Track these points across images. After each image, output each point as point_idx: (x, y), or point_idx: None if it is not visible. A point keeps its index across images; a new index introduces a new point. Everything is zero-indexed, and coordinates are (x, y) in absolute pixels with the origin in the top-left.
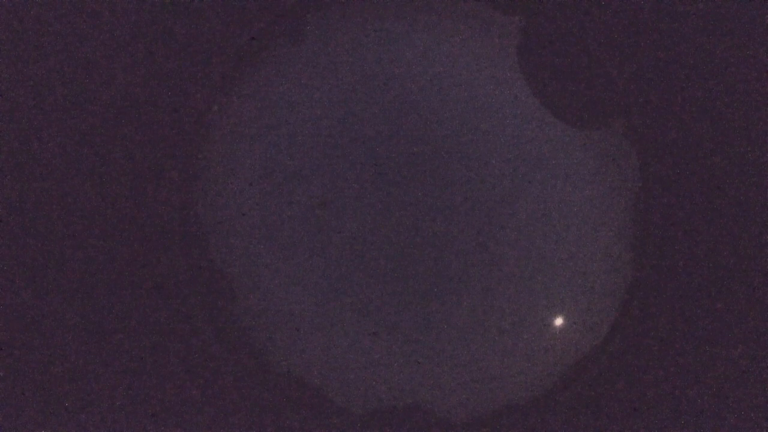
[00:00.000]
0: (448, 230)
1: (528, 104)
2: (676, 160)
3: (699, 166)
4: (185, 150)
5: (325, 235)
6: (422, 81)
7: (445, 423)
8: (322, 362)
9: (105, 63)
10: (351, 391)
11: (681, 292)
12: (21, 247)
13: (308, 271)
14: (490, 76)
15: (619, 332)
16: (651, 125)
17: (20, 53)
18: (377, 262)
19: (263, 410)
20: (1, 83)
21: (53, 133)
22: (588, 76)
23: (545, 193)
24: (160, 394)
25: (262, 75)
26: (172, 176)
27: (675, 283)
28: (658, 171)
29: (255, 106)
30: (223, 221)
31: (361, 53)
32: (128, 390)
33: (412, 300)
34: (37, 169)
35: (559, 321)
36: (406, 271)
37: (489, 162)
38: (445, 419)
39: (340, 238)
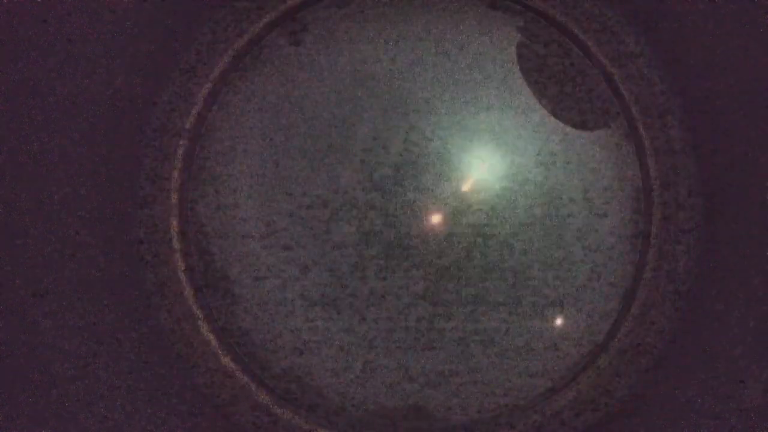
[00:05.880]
0: (447, 230)
1: (528, 104)
2: (676, 160)
3: (699, 165)
4: (185, 150)
5: (325, 235)
6: (422, 81)
7: (445, 423)
8: (322, 362)
9: (105, 63)
10: (351, 391)
11: (681, 292)
12: (21, 247)
13: (308, 271)
14: (490, 76)
15: (619, 332)
16: (652, 125)
17: (20, 53)
18: (377, 262)
19: (263, 410)
20: (1, 83)
21: (53, 133)
22: (588, 76)
23: (545, 193)
24: (160, 394)
25: (262, 75)
26: (172, 176)
27: (675, 283)
28: (658, 171)
29: (255, 106)
30: (223, 221)
31: (361, 53)
32: (128, 390)
33: (412, 300)
34: (36, 169)
35: (559, 321)
36: (406, 271)
37: (489, 162)
38: (445, 419)
39: (340, 238)
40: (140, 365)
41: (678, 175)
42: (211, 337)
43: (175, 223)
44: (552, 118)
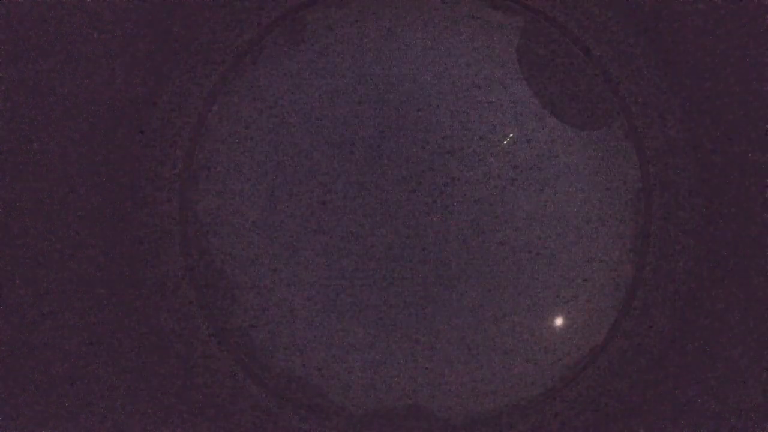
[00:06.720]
0: (447, 230)
1: (528, 104)
2: (676, 160)
3: (699, 166)
4: (185, 150)
5: (325, 235)
6: (422, 81)
7: (445, 423)
8: (322, 362)
9: (105, 63)
10: (351, 391)
11: (681, 292)
12: (21, 247)
13: (308, 271)
14: (489, 76)
15: (619, 332)
16: (652, 125)
17: (20, 53)
18: (377, 262)
19: (263, 410)
20: (1, 83)
21: (53, 133)
22: (588, 76)
23: (545, 193)
24: (160, 394)
25: (262, 75)
26: (172, 176)
27: (675, 283)
28: (658, 171)
29: (255, 106)
30: (223, 221)
31: (361, 53)
32: (128, 390)
33: (412, 300)
34: (37, 169)
35: (559, 321)
36: (406, 271)
37: (488, 162)
38: (445, 419)
39: (340, 238)
40: (140, 365)
41: (678, 175)
42: (211, 337)
43: (175, 223)
44: (552, 119)
